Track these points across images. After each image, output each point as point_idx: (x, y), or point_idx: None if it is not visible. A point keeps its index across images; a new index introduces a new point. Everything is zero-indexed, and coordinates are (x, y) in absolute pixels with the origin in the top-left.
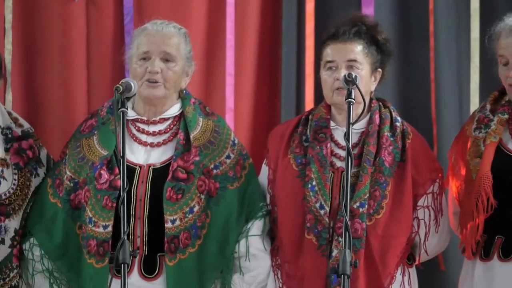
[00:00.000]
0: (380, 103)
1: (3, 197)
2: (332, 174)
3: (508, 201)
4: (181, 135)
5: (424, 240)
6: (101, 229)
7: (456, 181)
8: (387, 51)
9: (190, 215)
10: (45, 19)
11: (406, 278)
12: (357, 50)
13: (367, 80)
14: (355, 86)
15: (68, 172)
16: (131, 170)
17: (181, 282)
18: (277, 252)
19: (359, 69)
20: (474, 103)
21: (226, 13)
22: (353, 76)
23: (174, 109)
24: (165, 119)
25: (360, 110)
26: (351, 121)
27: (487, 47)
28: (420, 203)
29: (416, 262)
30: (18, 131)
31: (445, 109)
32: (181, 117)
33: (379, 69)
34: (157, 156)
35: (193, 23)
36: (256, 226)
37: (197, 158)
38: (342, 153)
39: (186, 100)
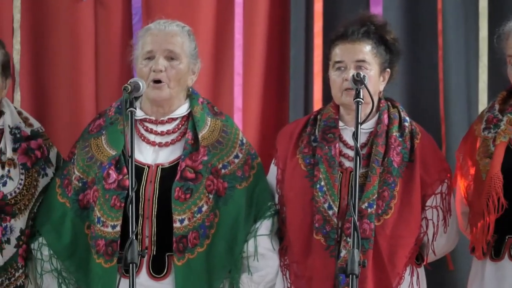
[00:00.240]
0: (389, 103)
1: (9, 197)
2: (341, 174)
3: None
4: (189, 135)
5: (432, 240)
6: (109, 229)
7: (465, 181)
8: (396, 51)
9: (199, 215)
10: (53, 19)
11: (414, 278)
12: (366, 50)
13: (376, 80)
14: (363, 86)
15: (76, 172)
16: (139, 169)
17: (190, 281)
18: (286, 252)
19: (367, 69)
20: (483, 102)
21: (235, 12)
22: (362, 76)
23: (182, 109)
24: (173, 119)
25: (368, 110)
26: (359, 121)
27: (495, 47)
28: (428, 203)
29: (425, 262)
30: (27, 130)
31: (454, 109)
32: (189, 117)
33: (388, 69)
34: (166, 156)
35: (201, 22)
36: (265, 226)
37: (205, 158)
38: (351, 153)
39: (194, 100)
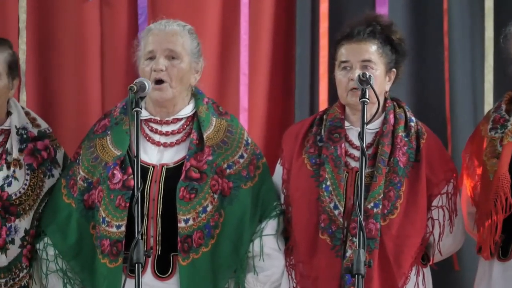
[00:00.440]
0: (395, 103)
1: (14, 197)
2: (347, 174)
3: None
4: (194, 135)
5: (438, 241)
6: (114, 229)
7: (471, 181)
8: (402, 51)
9: (203, 215)
10: (59, 19)
11: (420, 278)
12: (372, 50)
13: (382, 80)
14: (369, 86)
15: (81, 172)
16: (144, 169)
17: (195, 281)
18: (291, 252)
19: (373, 69)
20: (488, 102)
21: (241, 12)
22: (367, 76)
23: (187, 110)
24: (178, 119)
25: (374, 110)
26: (365, 121)
27: (501, 47)
28: (434, 203)
29: (430, 262)
30: (34, 131)
31: (459, 109)
32: (194, 117)
33: (394, 69)
34: (170, 156)
35: (207, 22)
36: (270, 226)
37: (210, 158)
38: (357, 153)
39: (199, 100)
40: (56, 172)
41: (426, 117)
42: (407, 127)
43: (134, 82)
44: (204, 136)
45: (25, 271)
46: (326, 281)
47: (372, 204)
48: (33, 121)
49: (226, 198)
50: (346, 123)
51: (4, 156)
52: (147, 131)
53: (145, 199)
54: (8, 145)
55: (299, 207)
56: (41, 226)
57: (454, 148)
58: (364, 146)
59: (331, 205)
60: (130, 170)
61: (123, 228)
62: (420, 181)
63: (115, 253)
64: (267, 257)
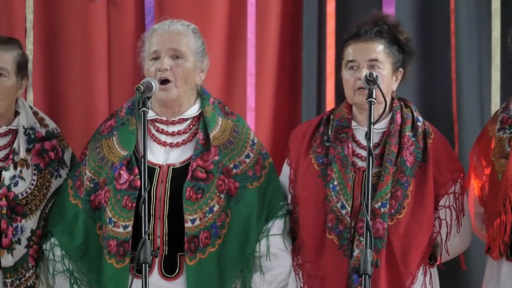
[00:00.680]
0: (402, 103)
1: (20, 197)
2: (354, 174)
3: None
4: (200, 135)
5: (446, 240)
6: (121, 229)
7: (479, 182)
8: (409, 50)
9: (210, 215)
10: (66, 19)
11: (427, 278)
12: (379, 49)
13: (389, 80)
14: (376, 86)
15: (88, 173)
16: (150, 170)
17: (202, 281)
18: (298, 252)
19: (380, 68)
20: (495, 102)
21: (247, 12)
22: (374, 76)
23: (193, 110)
24: (184, 119)
25: (381, 110)
26: (372, 120)
27: (508, 47)
28: (441, 203)
29: (438, 262)
30: (42, 131)
31: (466, 109)
32: (200, 117)
33: (401, 69)
34: (177, 156)
35: (214, 22)
36: (277, 226)
37: (216, 158)
38: (364, 153)
39: (205, 100)
40: (63, 173)
41: (433, 117)
42: (414, 127)
43: (141, 82)
44: (210, 136)
45: (31, 271)
46: (333, 281)
47: (379, 204)
48: (41, 121)
49: (232, 198)
50: (353, 123)
51: (11, 156)
52: (153, 131)
53: (152, 199)
54: (15, 145)
55: (306, 207)
56: (47, 227)
57: (461, 148)
58: (371, 146)
59: (338, 204)
60: (136, 171)
61: (130, 229)
62: (427, 181)
63: (122, 254)
64: (274, 257)
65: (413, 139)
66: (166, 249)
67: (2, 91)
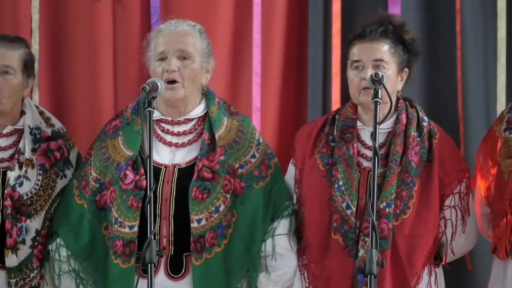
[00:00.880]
0: (407, 103)
1: (25, 197)
2: (359, 174)
3: None
4: (206, 135)
5: (451, 240)
6: (127, 230)
7: (485, 182)
8: (414, 50)
9: (216, 215)
10: (71, 19)
11: (432, 278)
12: (384, 49)
13: (394, 80)
14: (381, 85)
15: (93, 173)
16: (156, 170)
17: (208, 281)
18: (304, 252)
19: (385, 68)
20: (501, 102)
21: (253, 12)
22: (380, 76)
23: (199, 110)
24: (189, 120)
25: (386, 110)
26: (377, 120)
27: None
28: (447, 203)
29: (443, 262)
30: (48, 131)
31: (472, 109)
32: (205, 117)
33: (406, 69)
34: (182, 156)
35: (219, 22)
36: (282, 225)
37: (222, 158)
38: (369, 153)
39: (210, 100)
40: (69, 173)
41: (438, 117)
42: (419, 127)
43: (146, 82)
44: (216, 136)
45: (35, 271)
46: (338, 281)
47: (384, 204)
48: (47, 120)
49: (238, 198)
50: (358, 123)
51: (16, 156)
52: (159, 132)
53: (158, 199)
54: (21, 145)
55: (311, 207)
56: (53, 227)
57: (467, 148)
58: (377, 146)
59: (344, 205)
60: (142, 171)
61: (135, 229)
62: (433, 181)
63: (128, 254)
64: (279, 256)
65: (418, 139)
66: (172, 249)
67: (8, 89)
